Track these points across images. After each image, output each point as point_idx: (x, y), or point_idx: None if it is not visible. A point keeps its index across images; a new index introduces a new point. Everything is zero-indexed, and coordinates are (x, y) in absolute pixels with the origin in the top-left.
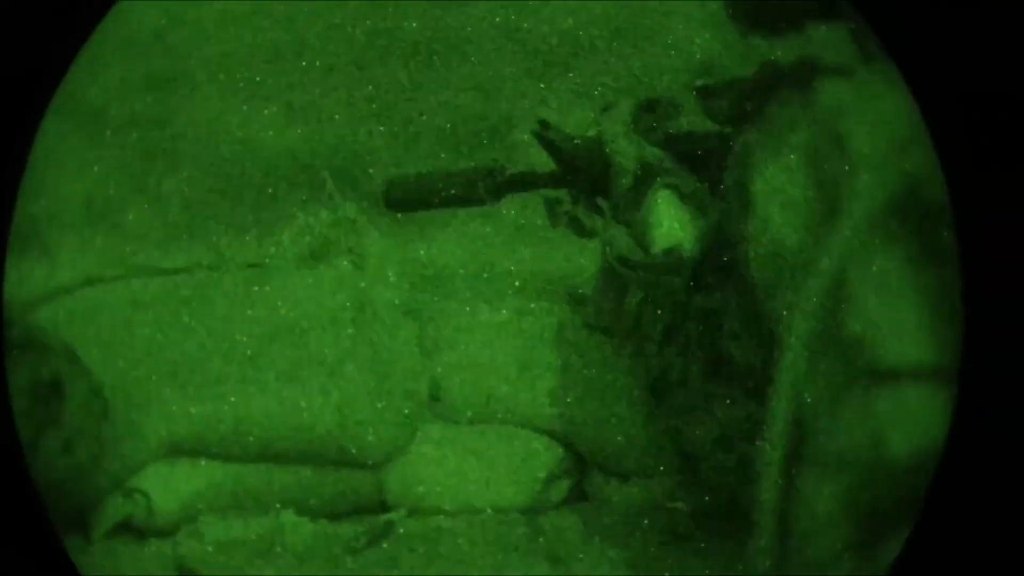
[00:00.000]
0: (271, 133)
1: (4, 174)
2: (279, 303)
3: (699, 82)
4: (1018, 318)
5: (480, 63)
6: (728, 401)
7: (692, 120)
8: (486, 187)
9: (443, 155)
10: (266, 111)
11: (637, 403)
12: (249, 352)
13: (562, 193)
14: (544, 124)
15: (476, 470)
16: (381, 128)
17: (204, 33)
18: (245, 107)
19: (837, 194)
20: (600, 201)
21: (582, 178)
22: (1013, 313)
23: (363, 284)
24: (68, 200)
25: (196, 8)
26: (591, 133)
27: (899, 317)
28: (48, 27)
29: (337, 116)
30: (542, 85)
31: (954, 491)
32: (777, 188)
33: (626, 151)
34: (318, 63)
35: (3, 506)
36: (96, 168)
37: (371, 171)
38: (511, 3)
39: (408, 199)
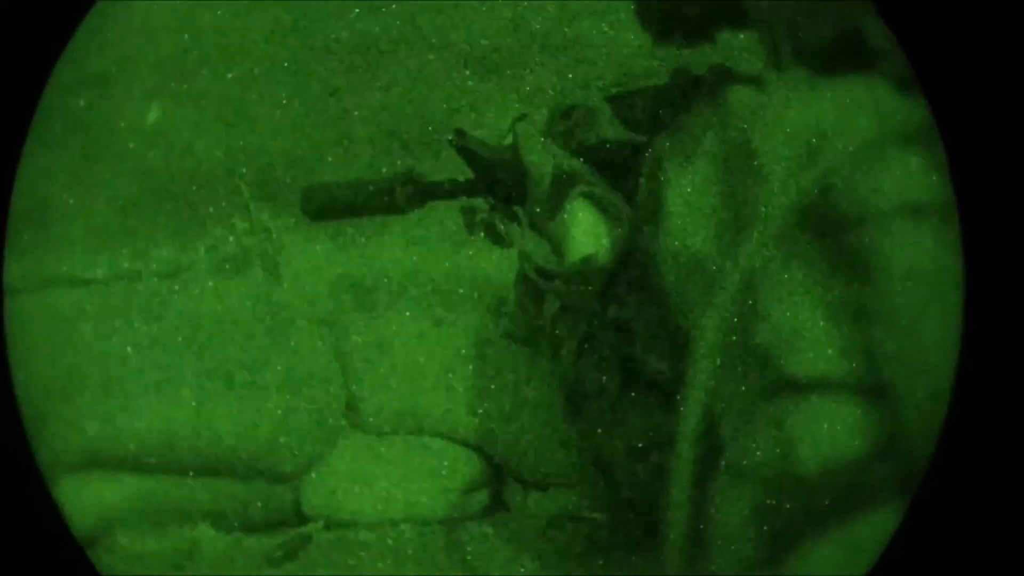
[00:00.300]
0: (196, 139)
1: None
2: (194, 314)
3: (613, 90)
4: (1018, 319)
5: (405, 69)
6: (642, 411)
7: (608, 128)
8: (404, 195)
9: (369, 162)
10: (191, 117)
11: (554, 413)
12: (164, 364)
13: (479, 201)
14: (460, 132)
15: (394, 481)
16: (307, 135)
17: (133, 35)
18: (170, 112)
19: (747, 204)
20: (517, 209)
21: (500, 186)
22: (1013, 314)
23: (280, 294)
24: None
25: (127, 9)
26: (507, 141)
27: (807, 328)
28: (28, 28)
29: (263, 123)
30: (467, 91)
31: (954, 492)
32: (688, 197)
33: (542, 159)
34: (246, 69)
35: None
36: (33, 170)
37: (289, 180)
38: (436, 9)
39: (326, 208)
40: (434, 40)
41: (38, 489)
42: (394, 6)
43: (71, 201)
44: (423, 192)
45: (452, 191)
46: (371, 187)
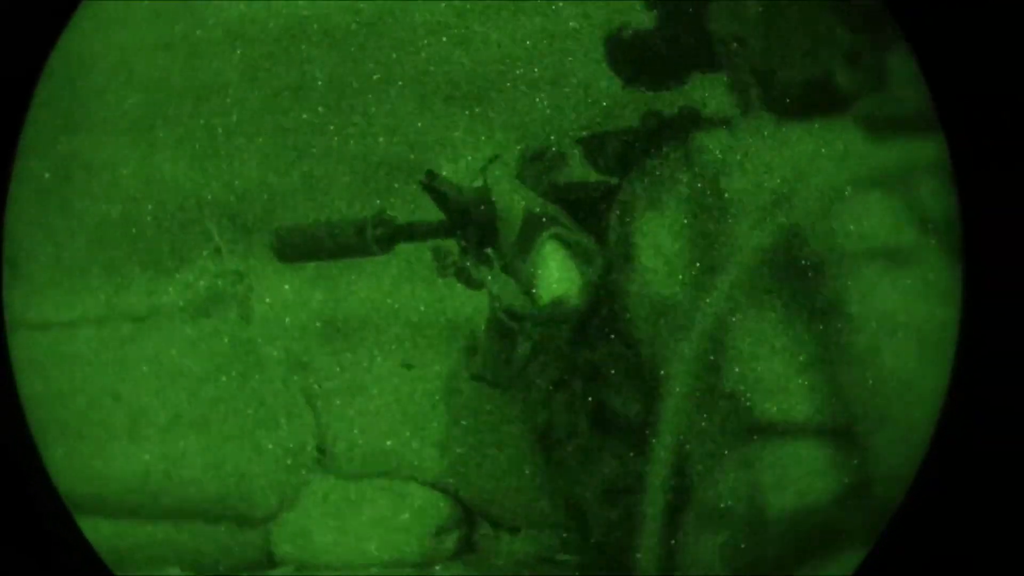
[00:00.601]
0: (168, 179)
1: None
2: (165, 357)
3: (584, 132)
4: (1018, 320)
5: (378, 109)
6: (614, 454)
7: (579, 170)
8: (375, 237)
9: (341, 201)
10: (162, 156)
11: (526, 455)
12: (134, 407)
13: (451, 243)
14: (431, 174)
15: (365, 524)
16: (279, 174)
17: (108, 75)
18: (148, 149)
19: (716, 248)
20: (489, 251)
21: (471, 228)
22: (1014, 315)
23: (251, 336)
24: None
25: (105, 41)
26: (479, 182)
27: (776, 372)
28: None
29: (235, 162)
30: (438, 132)
31: (952, 494)
32: (658, 241)
33: (513, 201)
34: (219, 108)
35: None
36: (14, 207)
37: (261, 220)
38: (414, 48)
39: (296, 249)
40: (406, 80)
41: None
42: (368, 46)
43: (39, 241)
44: (394, 234)
45: (423, 233)
46: (342, 229)
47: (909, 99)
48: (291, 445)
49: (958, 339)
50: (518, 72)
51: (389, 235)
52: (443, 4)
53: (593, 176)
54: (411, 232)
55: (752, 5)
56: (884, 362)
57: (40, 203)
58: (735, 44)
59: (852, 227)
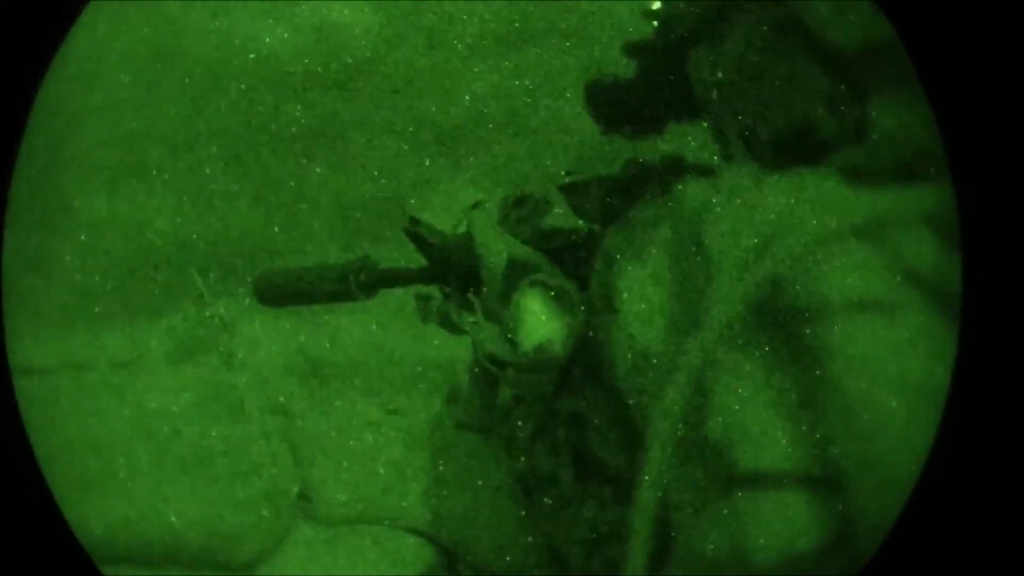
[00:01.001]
0: (151, 222)
1: None
2: (147, 403)
3: (566, 178)
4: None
5: (361, 153)
6: (596, 502)
7: (561, 217)
8: (358, 282)
9: (324, 245)
10: (146, 198)
11: (508, 503)
12: (115, 454)
13: (434, 289)
14: (414, 220)
15: (347, 571)
16: (263, 218)
17: (93, 115)
18: (131, 193)
19: (699, 297)
20: (472, 297)
21: (453, 274)
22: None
23: (233, 381)
24: None
25: (88, 90)
26: (461, 228)
27: (759, 421)
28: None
29: (218, 205)
30: (422, 176)
31: (951, 497)
32: (641, 290)
33: (495, 247)
34: (208, 150)
35: None
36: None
37: (244, 263)
38: (397, 94)
39: (278, 294)
40: (389, 126)
41: None
42: (351, 92)
43: (22, 284)
44: (377, 279)
45: (406, 278)
46: (324, 274)
47: (892, 149)
48: (273, 491)
49: (947, 390)
50: (500, 119)
51: (372, 281)
52: (426, 53)
53: (575, 223)
54: (394, 278)
55: (732, 51)
56: (867, 412)
57: (24, 244)
58: (716, 91)
59: (835, 277)
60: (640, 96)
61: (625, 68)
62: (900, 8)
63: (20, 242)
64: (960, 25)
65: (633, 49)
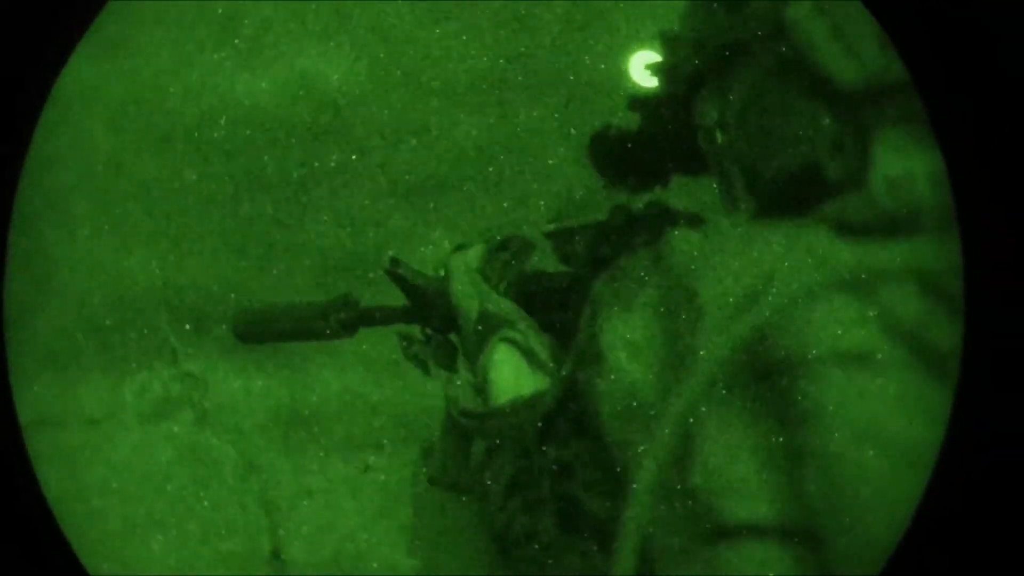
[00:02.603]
0: (124, 273)
1: None
2: (118, 461)
3: (551, 225)
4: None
5: (345, 204)
6: (580, 553)
7: (546, 261)
8: (339, 320)
9: (308, 291)
10: (128, 251)
11: (484, 558)
12: (84, 514)
13: (415, 330)
14: (395, 260)
15: None
16: (244, 269)
17: (71, 164)
18: (106, 245)
19: (685, 347)
20: (453, 338)
21: (434, 316)
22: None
23: (206, 439)
24: None
25: (65, 138)
26: (441, 272)
27: (742, 473)
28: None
29: (198, 257)
30: (411, 226)
31: (934, 557)
32: (627, 339)
33: (468, 296)
34: (182, 202)
35: None
36: None
37: (219, 312)
38: (378, 141)
39: (258, 330)
40: (370, 173)
41: None
42: (330, 139)
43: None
44: (357, 318)
45: (387, 317)
46: (305, 311)
47: (891, 198)
48: (245, 550)
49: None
50: (483, 168)
51: (353, 319)
52: (406, 102)
53: (560, 267)
54: (375, 316)
55: (737, 94)
56: (850, 467)
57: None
58: (720, 134)
59: (821, 330)
60: (644, 148)
61: (628, 121)
62: (913, 49)
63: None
64: (976, 68)
65: (637, 102)
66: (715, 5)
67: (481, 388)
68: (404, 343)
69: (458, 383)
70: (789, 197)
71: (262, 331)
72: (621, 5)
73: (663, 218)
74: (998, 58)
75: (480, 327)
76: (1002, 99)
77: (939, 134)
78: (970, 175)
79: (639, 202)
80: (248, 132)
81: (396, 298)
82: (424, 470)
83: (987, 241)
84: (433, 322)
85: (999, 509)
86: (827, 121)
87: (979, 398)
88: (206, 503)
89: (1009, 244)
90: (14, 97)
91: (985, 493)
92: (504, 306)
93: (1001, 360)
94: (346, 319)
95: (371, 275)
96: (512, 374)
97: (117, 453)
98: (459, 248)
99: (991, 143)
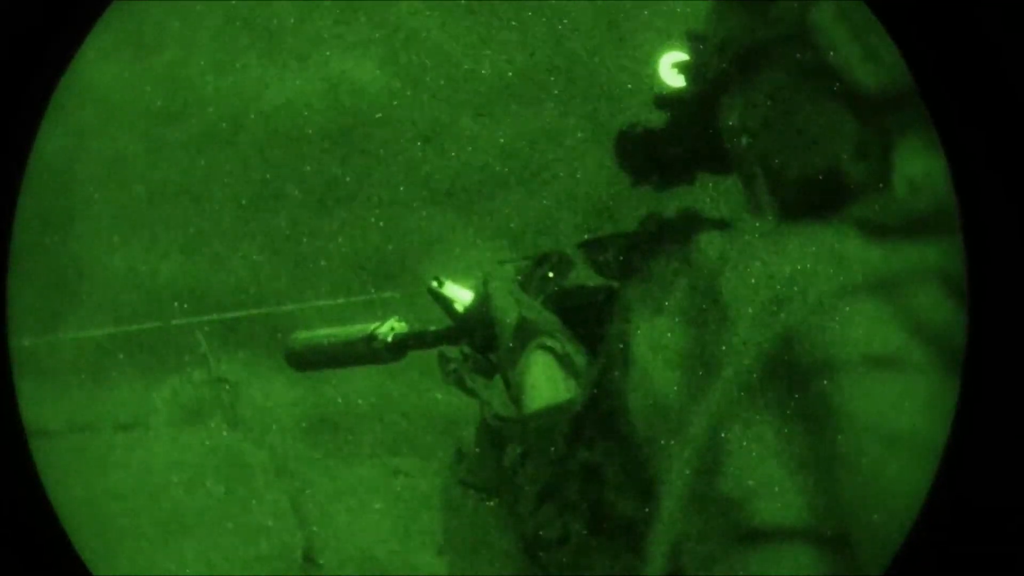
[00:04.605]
0: (156, 280)
1: None
2: (150, 465)
3: (585, 235)
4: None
5: (376, 209)
6: (609, 556)
7: (581, 274)
8: (385, 345)
9: (337, 299)
10: (152, 256)
11: (515, 563)
12: (117, 516)
13: (455, 350)
14: (439, 280)
15: None
16: (276, 274)
17: (97, 170)
18: (138, 250)
19: (713, 352)
20: (492, 357)
21: (476, 335)
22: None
23: (237, 444)
24: None
25: (98, 145)
26: (481, 289)
27: (769, 477)
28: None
29: (232, 261)
30: (440, 230)
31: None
32: (657, 343)
33: (509, 308)
34: (216, 207)
35: None
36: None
37: (249, 321)
38: (413, 149)
39: (309, 359)
40: (404, 180)
41: None
42: (362, 144)
43: (28, 345)
44: (403, 341)
45: (432, 340)
46: (352, 337)
47: (913, 200)
48: (277, 553)
49: (951, 447)
50: (512, 174)
51: (399, 343)
52: (438, 109)
53: (595, 280)
54: (420, 339)
55: (761, 98)
56: (878, 470)
57: (33, 303)
58: (745, 138)
59: (848, 333)
60: (670, 146)
61: (655, 120)
62: (923, 59)
63: (23, 299)
64: (985, 79)
65: (663, 100)
66: (740, 6)
67: (516, 395)
68: (444, 363)
69: (494, 391)
70: (812, 199)
71: (314, 359)
72: (654, 6)
73: (693, 224)
74: (1003, 65)
75: (518, 335)
76: (1007, 104)
77: (944, 138)
78: (976, 178)
79: (670, 210)
80: (280, 138)
81: (432, 314)
82: (456, 472)
83: (994, 242)
84: (474, 341)
85: (1017, 506)
86: (849, 124)
87: (989, 397)
88: (238, 507)
89: (1016, 245)
90: (19, 97)
91: (1000, 492)
92: (543, 315)
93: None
94: (392, 343)
95: (380, 280)
96: (548, 380)
97: (148, 458)
98: (500, 263)
99: (997, 147)
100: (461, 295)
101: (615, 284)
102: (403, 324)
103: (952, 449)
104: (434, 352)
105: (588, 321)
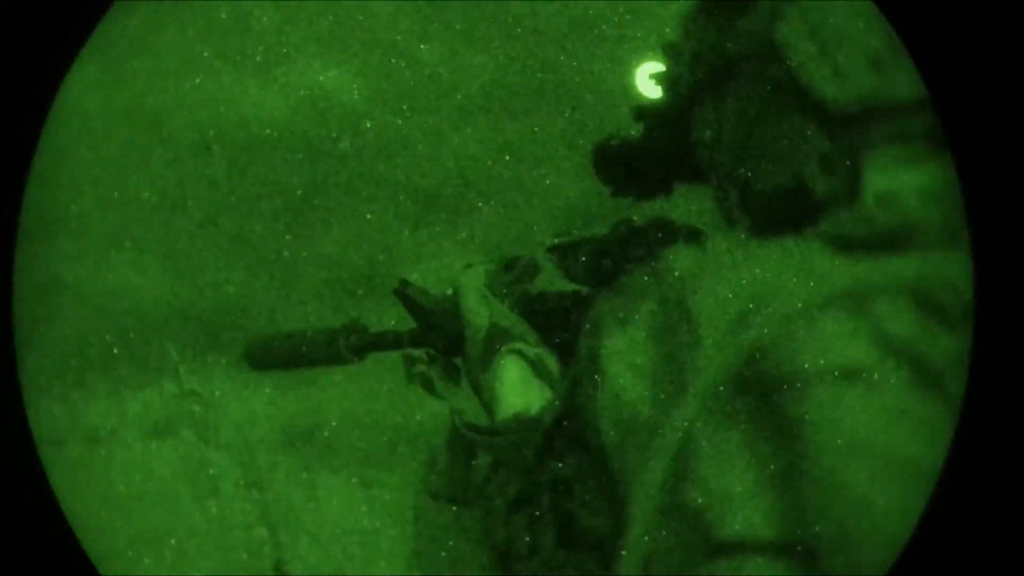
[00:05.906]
0: (133, 290)
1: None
2: (120, 477)
3: (555, 240)
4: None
5: (351, 220)
6: (579, 569)
7: (551, 279)
8: (348, 346)
9: (310, 310)
10: (135, 267)
11: (486, 573)
12: (88, 530)
13: (421, 352)
14: (404, 282)
15: None
16: (250, 285)
17: (84, 178)
18: (112, 262)
19: (683, 365)
20: (458, 361)
21: (441, 337)
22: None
23: (207, 455)
24: None
25: (75, 154)
26: (449, 292)
27: (740, 490)
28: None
29: (206, 273)
30: (419, 240)
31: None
32: (625, 354)
33: (479, 311)
34: (190, 218)
35: None
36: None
37: (226, 330)
38: (388, 158)
39: (269, 358)
40: (379, 189)
41: None
42: (337, 154)
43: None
44: (367, 343)
45: (395, 342)
46: (315, 337)
47: (883, 214)
48: (247, 565)
49: (936, 469)
50: (486, 182)
51: (362, 344)
52: (411, 117)
53: (565, 285)
54: (384, 341)
55: (731, 112)
56: (847, 484)
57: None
58: (715, 151)
59: (817, 347)
60: (648, 158)
61: (634, 130)
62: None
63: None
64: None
65: (641, 112)
66: (709, 20)
67: (488, 402)
68: (408, 363)
69: (463, 397)
70: (782, 214)
71: (273, 358)
72: (628, 17)
73: (664, 232)
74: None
75: (489, 341)
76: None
77: (954, 147)
78: (984, 189)
79: (642, 216)
80: (255, 148)
81: (403, 319)
82: (427, 483)
83: (999, 255)
84: (439, 344)
85: (998, 526)
86: (816, 139)
87: (983, 413)
88: (208, 518)
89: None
90: (18, 106)
91: (985, 510)
92: (514, 320)
93: (1007, 375)
94: (355, 344)
95: (373, 300)
96: (519, 386)
97: (119, 469)
98: (467, 267)
99: (1005, 157)
100: (426, 297)
101: (583, 290)
102: (366, 325)
103: (952, 449)
104: (399, 355)
105: (555, 326)
